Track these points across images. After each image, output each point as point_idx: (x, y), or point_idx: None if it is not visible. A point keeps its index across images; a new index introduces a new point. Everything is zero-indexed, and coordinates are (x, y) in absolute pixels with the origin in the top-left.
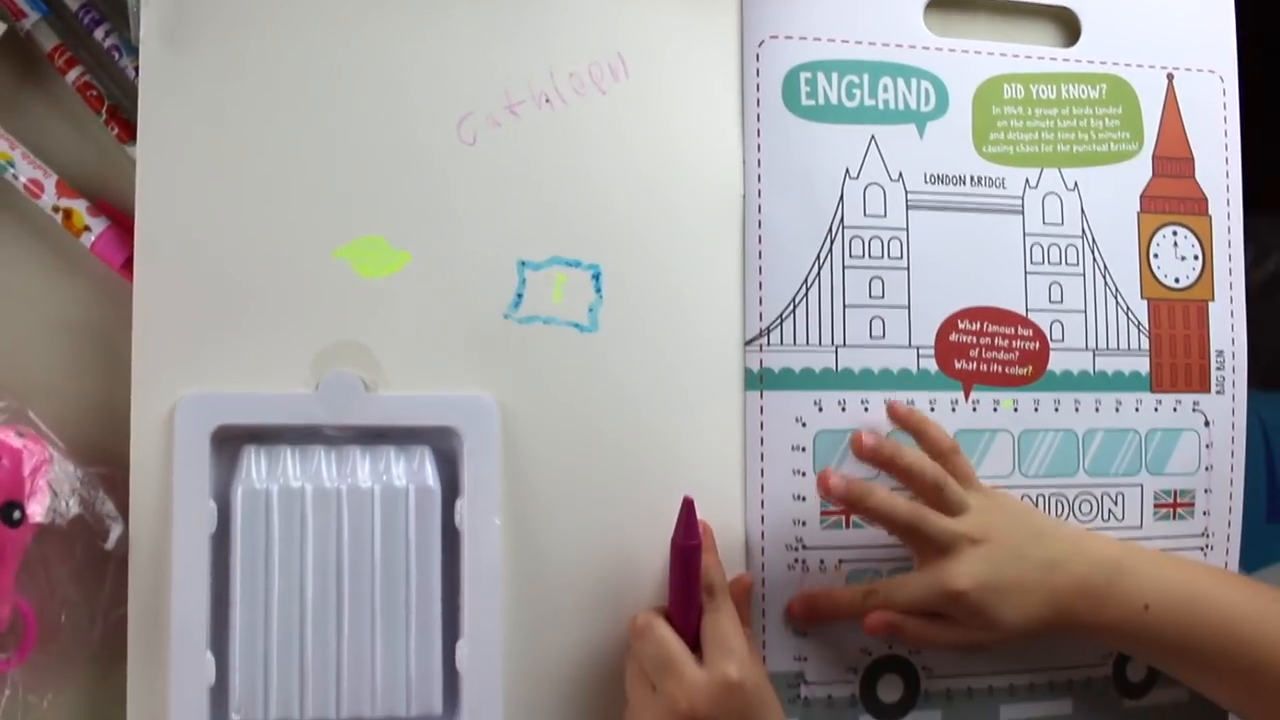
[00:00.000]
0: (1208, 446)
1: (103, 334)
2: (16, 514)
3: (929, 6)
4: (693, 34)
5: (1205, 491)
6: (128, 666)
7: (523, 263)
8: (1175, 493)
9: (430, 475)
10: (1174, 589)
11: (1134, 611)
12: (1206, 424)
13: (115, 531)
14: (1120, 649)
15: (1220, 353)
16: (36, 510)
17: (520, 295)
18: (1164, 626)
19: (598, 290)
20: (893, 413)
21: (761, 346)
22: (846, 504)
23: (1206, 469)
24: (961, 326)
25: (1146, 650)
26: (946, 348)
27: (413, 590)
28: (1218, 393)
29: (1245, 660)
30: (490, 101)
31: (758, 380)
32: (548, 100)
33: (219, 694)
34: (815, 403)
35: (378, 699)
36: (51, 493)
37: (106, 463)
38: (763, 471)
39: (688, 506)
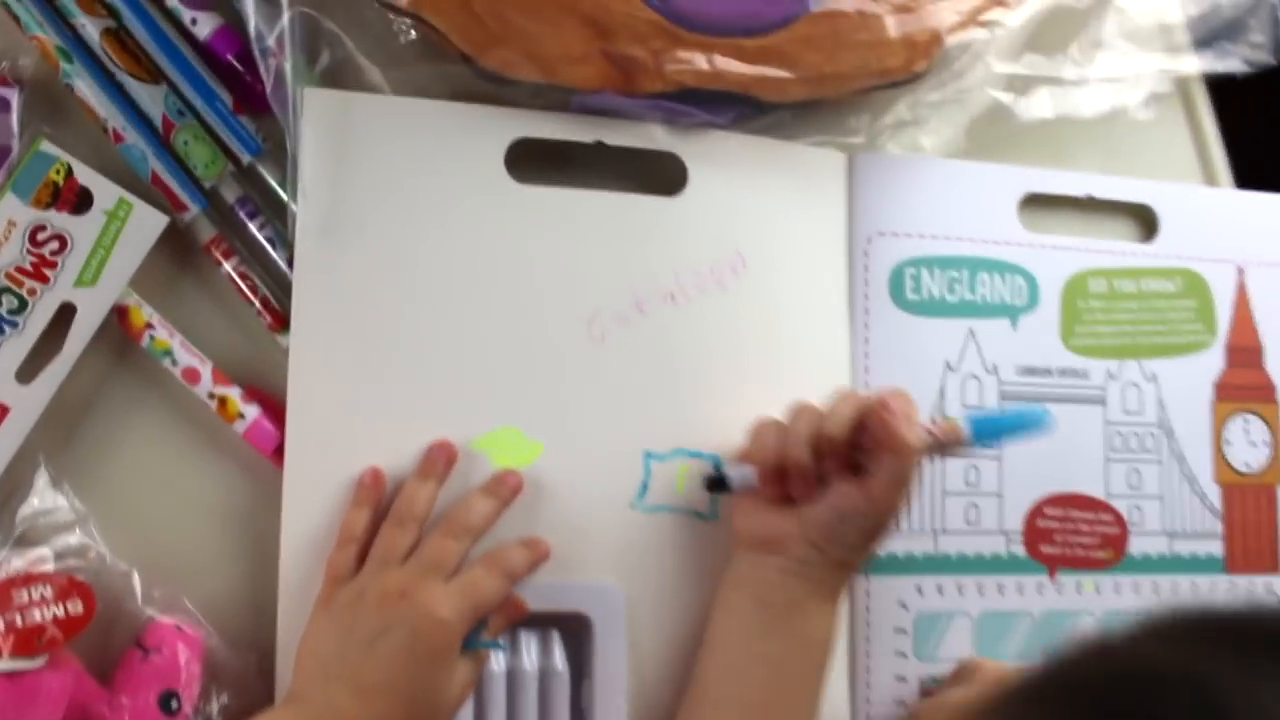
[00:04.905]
0: None
1: (252, 518)
2: (174, 703)
3: (1022, 204)
4: (806, 230)
5: None
6: None
7: (648, 454)
8: None
9: (559, 659)
10: None
11: None
12: None
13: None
14: None
15: None
16: (192, 699)
17: (646, 485)
18: None
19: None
20: None
21: None
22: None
23: None
24: (1048, 513)
25: None
26: (1034, 533)
27: None
28: None
29: None
30: (619, 300)
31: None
32: (672, 298)
33: None
34: (916, 587)
35: None
36: (207, 680)
37: (256, 647)
38: (869, 653)
39: None
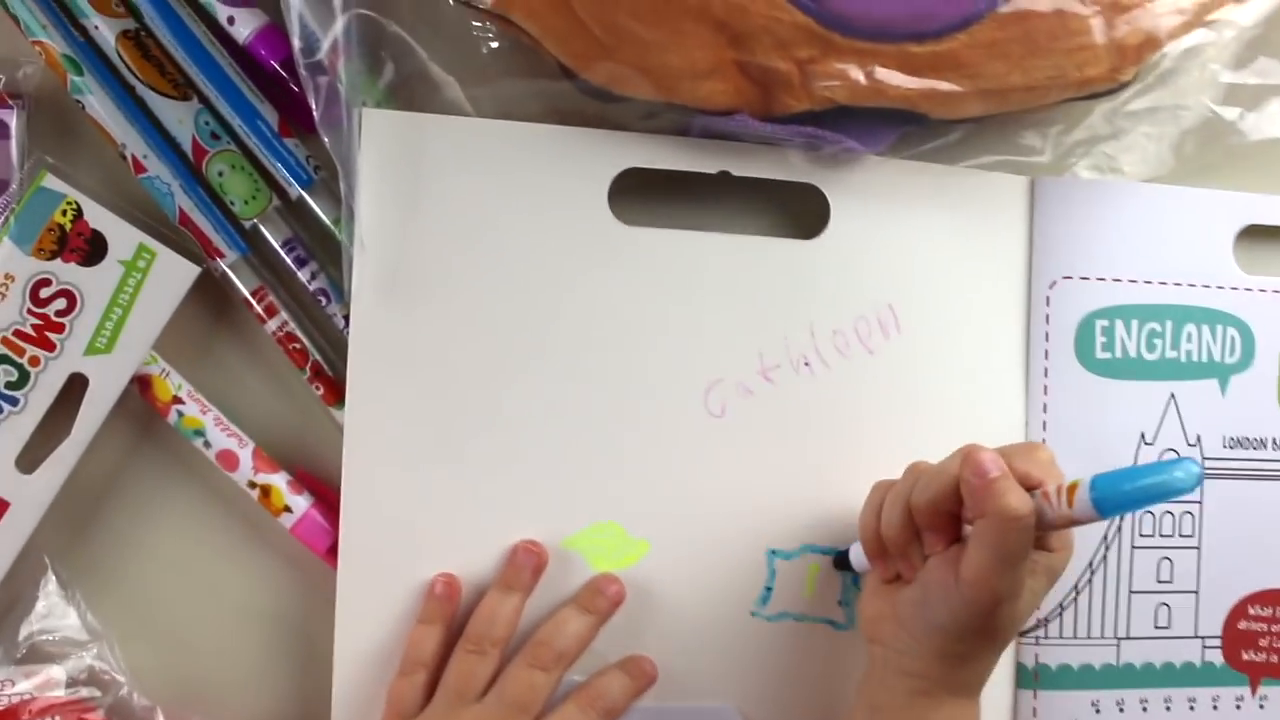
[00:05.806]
0: None
1: (300, 632)
2: None
3: (1239, 238)
4: (975, 279)
5: None
6: None
7: (773, 552)
8: None
9: None
10: None
11: None
12: None
13: None
14: None
15: None
16: None
17: (769, 589)
18: None
19: (854, 582)
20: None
21: (1038, 639)
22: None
23: None
24: (1253, 612)
25: None
26: (1235, 636)
27: None
28: None
29: None
30: (742, 367)
31: (1032, 678)
32: (807, 364)
33: None
34: (1093, 704)
35: None
36: None
37: None
38: None
39: None
